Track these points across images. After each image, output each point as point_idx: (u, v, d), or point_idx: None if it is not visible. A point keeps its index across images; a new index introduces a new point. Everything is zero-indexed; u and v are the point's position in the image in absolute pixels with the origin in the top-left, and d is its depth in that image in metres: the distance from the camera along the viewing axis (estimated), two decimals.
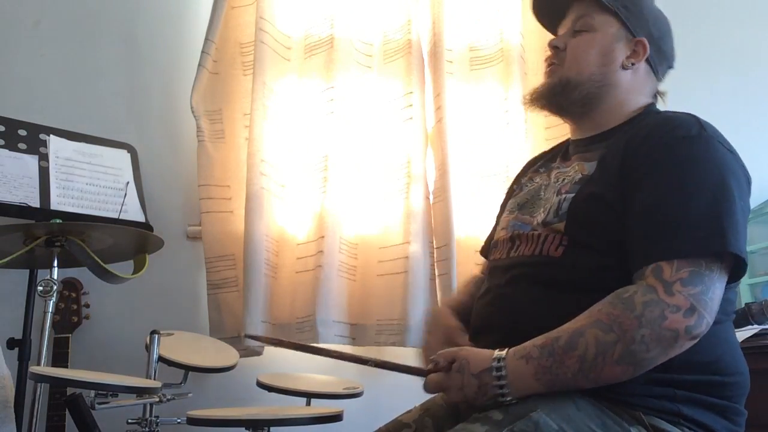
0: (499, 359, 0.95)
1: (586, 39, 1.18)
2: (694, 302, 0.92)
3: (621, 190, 1.02)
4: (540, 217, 1.12)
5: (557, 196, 1.11)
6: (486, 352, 0.97)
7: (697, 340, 0.93)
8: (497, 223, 1.29)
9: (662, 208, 0.98)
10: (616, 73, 1.17)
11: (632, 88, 1.18)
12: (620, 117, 1.16)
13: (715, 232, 0.95)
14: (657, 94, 1.24)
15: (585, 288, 1.01)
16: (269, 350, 1.97)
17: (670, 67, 1.26)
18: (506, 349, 0.96)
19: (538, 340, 0.95)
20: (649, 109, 1.19)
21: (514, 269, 1.11)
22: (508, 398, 0.94)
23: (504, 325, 1.07)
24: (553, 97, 1.19)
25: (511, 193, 1.32)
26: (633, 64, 1.18)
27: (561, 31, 1.24)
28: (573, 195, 1.08)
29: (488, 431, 0.90)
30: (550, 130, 2.11)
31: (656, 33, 1.20)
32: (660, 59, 1.21)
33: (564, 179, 1.14)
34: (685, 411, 0.95)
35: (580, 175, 1.11)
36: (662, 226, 0.97)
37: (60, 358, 1.80)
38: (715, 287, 0.94)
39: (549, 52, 1.23)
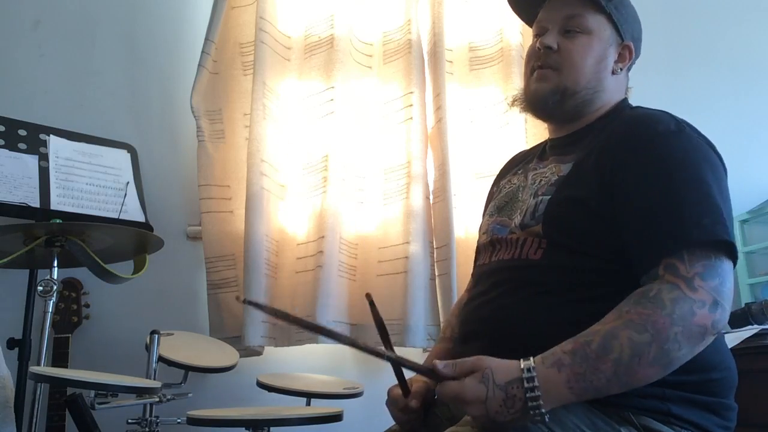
0: (528, 369, 0.87)
1: (583, 43, 1.14)
2: (716, 296, 0.91)
3: (602, 191, 1.02)
4: (517, 219, 1.12)
5: (534, 198, 1.11)
6: (510, 362, 0.89)
7: (718, 334, 0.93)
8: (480, 228, 1.28)
9: (659, 205, 0.97)
10: (607, 79, 1.16)
11: (616, 91, 1.18)
12: (597, 115, 1.16)
13: (716, 221, 0.95)
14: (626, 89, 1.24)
15: (566, 289, 1.01)
16: (269, 350, 1.97)
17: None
18: (531, 358, 0.89)
19: (566, 345, 0.89)
20: (622, 105, 1.19)
21: (496, 274, 1.11)
22: (542, 410, 0.86)
23: (490, 331, 1.07)
24: (547, 105, 1.16)
25: (491, 196, 1.32)
26: (621, 69, 1.18)
27: (547, 24, 1.18)
28: (549, 197, 1.08)
29: None
30: None
31: (636, 34, 1.21)
32: (635, 58, 1.22)
33: (540, 180, 1.14)
34: (675, 410, 0.95)
35: (555, 177, 1.11)
36: (663, 223, 0.96)
37: (60, 358, 1.80)
38: (729, 277, 0.94)
39: (536, 48, 1.17)
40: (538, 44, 1.16)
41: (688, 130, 1.04)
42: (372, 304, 1.10)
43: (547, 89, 1.15)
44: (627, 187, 1.00)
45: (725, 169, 1.06)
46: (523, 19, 1.31)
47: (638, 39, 1.21)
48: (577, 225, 1.03)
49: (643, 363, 0.88)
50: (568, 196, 1.05)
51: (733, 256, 0.96)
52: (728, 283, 0.94)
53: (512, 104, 1.25)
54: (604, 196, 1.01)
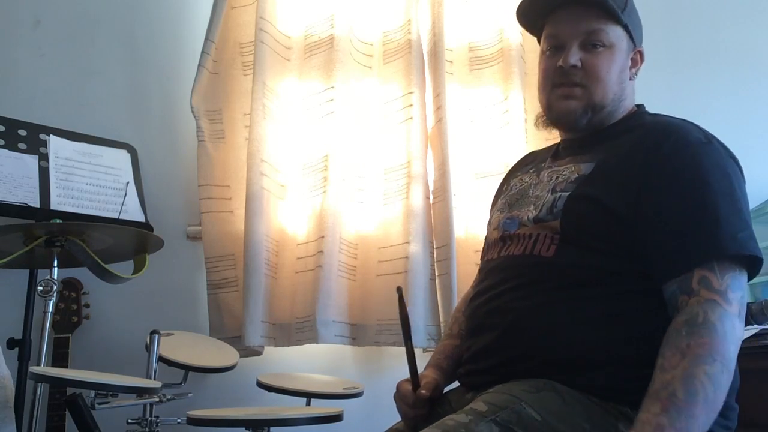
0: None
1: (607, 57, 1.13)
2: (740, 308, 0.95)
3: (625, 196, 1.03)
4: (531, 213, 1.12)
5: (552, 194, 1.11)
6: None
7: None
8: (489, 224, 1.29)
9: (690, 214, 0.99)
10: (626, 88, 1.17)
11: (631, 96, 1.20)
12: (613, 118, 1.17)
13: (750, 236, 0.98)
14: None
15: (577, 287, 1.02)
16: (269, 350, 1.97)
17: None
18: None
19: (653, 407, 0.88)
20: (641, 111, 1.20)
21: (506, 270, 1.11)
22: None
23: (497, 326, 1.08)
24: (579, 123, 1.15)
25: (500, 193, 1.32)
26: (635, 74, 1.19)
27: (565, 39, 1.15)
28: (569, 193, 1.08)
29: (472, 420, 0.91)
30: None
31: (641, 36, 1.21)
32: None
33: (558, 177, 1.14)
34: None
35: (576, 175, 1.11)
36: (699, 232, 0.97)
37: (60, 358, 1.80)
38: (746, 289, 0.98)
39: (558, 66, 1.14)
40: (561, 63, 1.13)
41: (716, 143, 1.06)
42: (401, 298, 1.12)
43: (579, 108, 1.14)
44: (656, 195, 1.01)
45: (744, 181, 1.07)
46: (527, 28, 1.28)
47: (641, 37, 1.22)
48: (595, 222, 1.04)
49: (721, 392, 0.89)
50: (589, 194, 1.06)
51: (751, 269, 0.99)
52: (746, 296, 0.98)
53: (536, 124, 1.25)
54: (626, 201, 1.02)
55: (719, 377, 0.89)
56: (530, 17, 1.24)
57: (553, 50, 1.17)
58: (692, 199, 0.99)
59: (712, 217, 0.97)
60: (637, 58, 1.19)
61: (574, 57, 1.13)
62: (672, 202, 1.00)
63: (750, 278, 1.00)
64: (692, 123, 1.09)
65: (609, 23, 1.14)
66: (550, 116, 1.19)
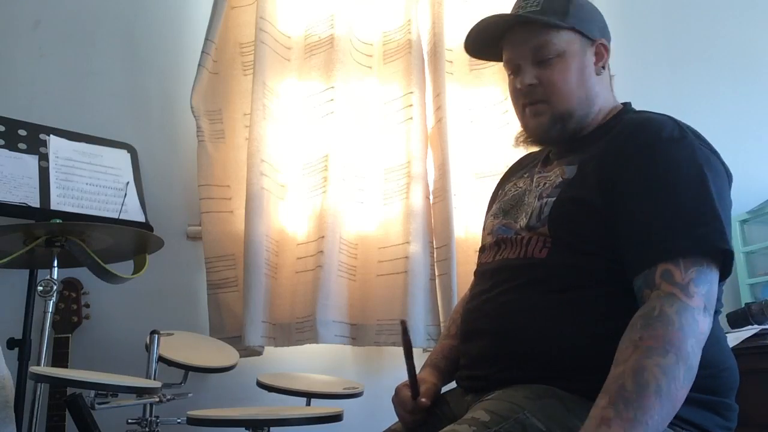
0: None
1: (561, 67, 1.13)
2: (705, 302, 0.92)
3: (603, 193, 1.03)
4: (523, 221, 1.13)
5: (539, 200, 1.12)
6: None
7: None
8: (484, 228, 1.29)
9: (657, 210, 0.98)
10: (595, 85, 1.16)
11: (605, 89, 1.19)
12: (598, 120, 1.17)
13: (715, 229, 0.96)
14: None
15: (571, 287, 1.02)
16: (269, 350, 1.97)
17: None
18: None
19: (600, 401, 0.85)
20: (626, 109, 1.19)
21: (500, 272, 1.12)
22: None
23: (492, 328, 1.08)
24: (551, 135, 1.16)
25: (495, 198, 1.33)
26: (603, 68, 1.18)
27: (518, 61, 1.17)
28: (554, 199, 1.09)
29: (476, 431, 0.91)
30: None
31: (601, 25, 1.20)
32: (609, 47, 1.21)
33: (545, 183, 1.15)
34: None
35: (560, 179, 1.12)
36: (660, 228, 0.97)
37: (60, 358, 1.80)
38: (715, 285, 0.96)
39: (517, 87, 1.17)
40: (518, 84, 1.16)
41: (690, 137, 1.04)
42: (405, 330, 1.13)
43: (546, 122, 1.15)
44: (626, 191, 1.01)
45: (729, 176, 1.06)
46: (483, 59, 1.32)
47: (603, 27, 1.21)
48: (581, 225, 1.04)
49: (678, 385, 0.86)
50: (572, 197, 1.07)
51: (725, 263, 0.97)
52: (714, 291, 0.95)
53: (516, 144, 1.25)
54: (604, 198, 1.03)
55: (674, 370, 0.86)
56: (482, 51, 1.27)
57: (514, 74, 1.19)
58: (655, 197, 0.99)
59: (673, 214, 0.97)
60: (601, 51, 1.18)
61: (528, 76, 1.15)
62: (639, 199, 1.00)
63: (725, 272, 0.98)
64: (671, 118, 1.08)
65: (552, 33, 1.13)
66: (527, 134, 1.22)
